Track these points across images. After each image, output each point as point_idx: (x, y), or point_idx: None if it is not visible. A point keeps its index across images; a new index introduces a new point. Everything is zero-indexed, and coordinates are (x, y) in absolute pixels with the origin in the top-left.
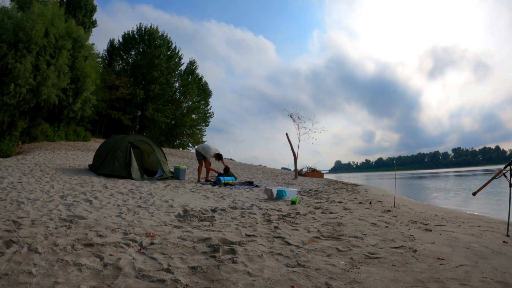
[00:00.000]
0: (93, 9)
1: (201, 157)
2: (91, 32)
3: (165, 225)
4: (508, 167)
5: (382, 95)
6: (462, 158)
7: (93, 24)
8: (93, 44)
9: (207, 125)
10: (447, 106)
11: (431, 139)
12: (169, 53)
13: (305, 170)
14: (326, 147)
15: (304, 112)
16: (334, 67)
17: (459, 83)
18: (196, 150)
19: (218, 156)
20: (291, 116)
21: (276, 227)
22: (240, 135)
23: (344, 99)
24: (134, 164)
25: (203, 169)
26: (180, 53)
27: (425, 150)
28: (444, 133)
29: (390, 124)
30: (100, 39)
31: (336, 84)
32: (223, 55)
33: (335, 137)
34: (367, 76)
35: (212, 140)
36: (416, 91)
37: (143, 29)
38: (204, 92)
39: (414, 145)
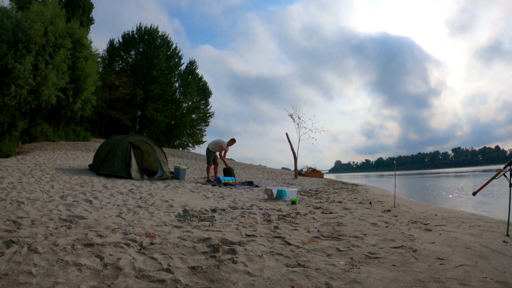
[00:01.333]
0: (90, 7)
1: (211, 155)
2: (89, 30)
3: (165, 225)
4: (508, 167)
5: (388, 67)
6: (462, 158)
7: (90, 21)
8: (91, 42)
9: (207, 125)
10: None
11: (440, 134)
12: (169, 53)
13: (305, 170)
14: (323, 143)
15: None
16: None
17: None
18: (207, 149)
19: (232, 140)
20: (291, 116)
21: (276, 227)
22: (224, 130)
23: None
24: (134, 164)
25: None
26: (180, 53)
27: (432, 149)
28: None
29: (393, 115)
30: (99, 35)
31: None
32: None
33: (331, 133)
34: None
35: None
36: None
37: (143, 29)
38: (204, 92)
39: (421, 142)
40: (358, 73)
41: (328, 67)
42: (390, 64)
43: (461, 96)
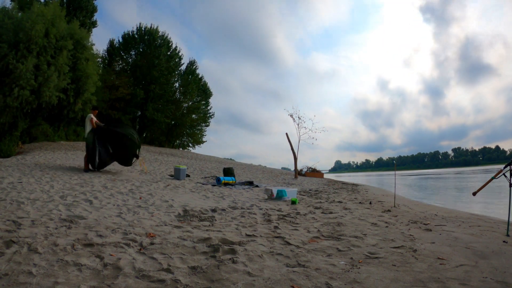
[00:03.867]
0: (93, 10)
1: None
2: (91, 33)
3: (165, 225)
4: (508, 167)
5: None
6: (462, 158)
7: (93, 24)
8: (93, 44)
9: (207, 125)
10: None
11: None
12: (169, 53)
13: (305, 170)
14: (320, 139)
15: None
16: None
17: None
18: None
19: (94, 109)
20: (291, 116)
21: (276, 227)
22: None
23: None
24: (103, 151)
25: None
26: (180, 53)
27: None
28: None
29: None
30: (100, 35)
31: None
32: None
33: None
34: None
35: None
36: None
37: (143, 29)
38: (204, 92)
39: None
40: None
41: None
42: None
43: None
